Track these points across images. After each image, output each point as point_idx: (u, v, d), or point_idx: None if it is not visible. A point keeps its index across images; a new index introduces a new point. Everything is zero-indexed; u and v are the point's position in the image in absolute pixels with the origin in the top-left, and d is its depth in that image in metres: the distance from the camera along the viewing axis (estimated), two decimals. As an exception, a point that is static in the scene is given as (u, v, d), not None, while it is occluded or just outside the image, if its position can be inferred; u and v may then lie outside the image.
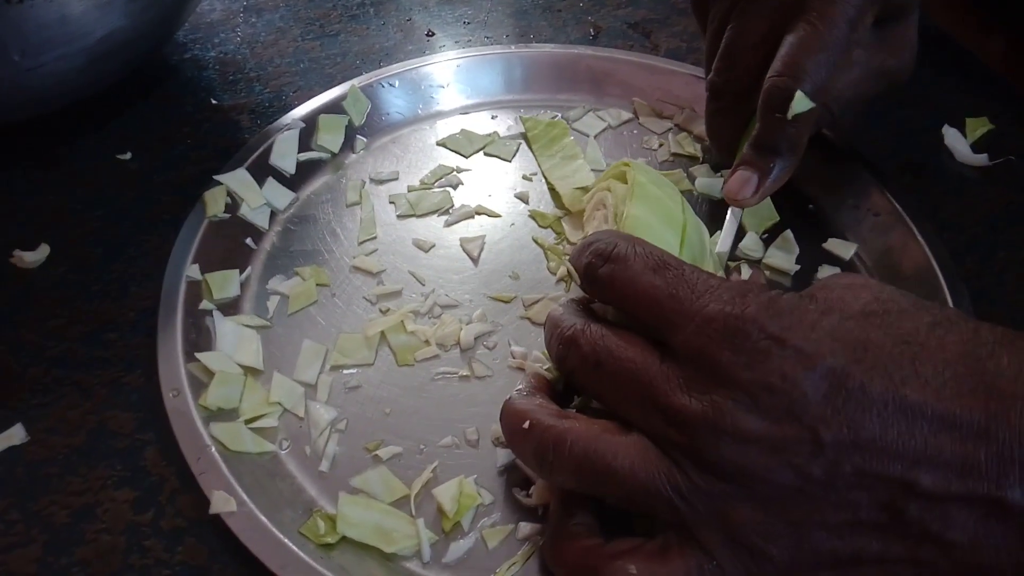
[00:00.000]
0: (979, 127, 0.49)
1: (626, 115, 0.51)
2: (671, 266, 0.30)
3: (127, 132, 0.49)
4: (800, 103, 0.38)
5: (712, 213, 0.45)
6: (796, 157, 0.41)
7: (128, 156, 0.48)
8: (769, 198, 0.45)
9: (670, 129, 0.50)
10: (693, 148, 0.49)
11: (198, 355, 0.37)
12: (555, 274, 0.42)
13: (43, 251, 0.43)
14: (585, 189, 0.46)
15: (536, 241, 0.44)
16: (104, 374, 0.38)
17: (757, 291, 0.28)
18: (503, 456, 0.35)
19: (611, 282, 0.31)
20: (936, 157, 0.49)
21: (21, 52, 0.39)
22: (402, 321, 0.40)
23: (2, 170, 0.46)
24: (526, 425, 0.30)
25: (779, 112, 0.38)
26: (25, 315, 0.40)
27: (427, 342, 0.39)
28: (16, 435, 0.36)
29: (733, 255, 0.43)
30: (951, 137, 0.49)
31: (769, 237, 0.44)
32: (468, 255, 0.43)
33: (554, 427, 0.30)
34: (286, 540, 0.31)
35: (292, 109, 0.49)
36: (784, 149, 0.40)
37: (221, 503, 0.32)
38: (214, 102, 0.51)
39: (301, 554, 0.31)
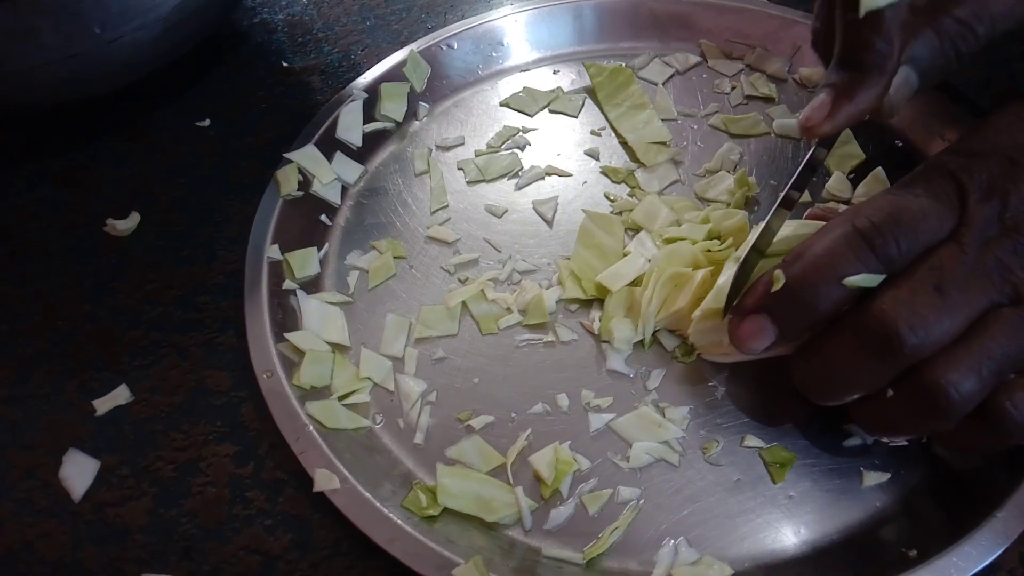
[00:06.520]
0: (1080, 44, 0.46)
1: (694, 59, 0.49)
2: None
3: (204, 100, 0.49)
4: None
5: (793, 155, 0.44)
6: (882, 76, 0.33)
7: (207, 123, 0.48)
8: (852, 136, 0.44)
9: (741, 71, 0.48)
10: (768, 88, 0.47)
11: (287, 335, 0.38)
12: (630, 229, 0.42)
13: (134, 219, 0.44)
14: (661, 144, 0.44)
15: (609, 198, 0.43)
16: (198, 336, 0.39)
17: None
18: (595, 421, 0.35)
19: (889, 216, 0.30)
20: (1034, 81, 0.46)
21: (102, 25, 0.40)
22: (482, 290, 0.40)
23: (88, 142, 0.48)
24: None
25: (850, 10, 0.31)
26: (122, 281, 0.42)
27: (508, 309, 0.39)
28: (121, 395, 0.38)
29: (818, 197, 0.41)
30: (1051, 59, 0.46)
31: (856, 177, 0.42)
32: (542, 217, 0.43)
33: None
34: (391, 514, 0.32)
35: (361, 68, 0.49)
36: (865, 61, 0.32)
37: (324, 481, 0.33)
38: (285, 65, 0.51)
39: (407, 528, 0.32)
